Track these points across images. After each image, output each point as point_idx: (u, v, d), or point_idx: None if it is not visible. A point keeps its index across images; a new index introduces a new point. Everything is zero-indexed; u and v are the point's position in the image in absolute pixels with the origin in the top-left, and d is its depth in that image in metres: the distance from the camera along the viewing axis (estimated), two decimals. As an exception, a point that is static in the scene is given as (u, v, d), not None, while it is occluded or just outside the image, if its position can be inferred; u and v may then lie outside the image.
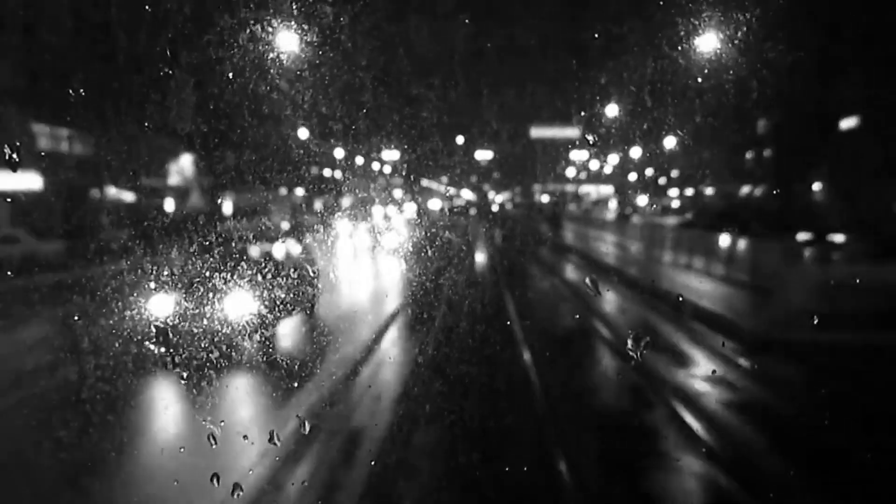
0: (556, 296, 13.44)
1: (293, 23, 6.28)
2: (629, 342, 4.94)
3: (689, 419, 6.88)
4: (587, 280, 7.03)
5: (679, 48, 6.45)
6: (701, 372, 8.48)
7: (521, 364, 8.44)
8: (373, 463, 5.68)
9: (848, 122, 17.66)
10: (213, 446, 4.33)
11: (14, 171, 4.36)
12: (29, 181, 9.36)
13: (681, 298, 11.26)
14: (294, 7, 6.36)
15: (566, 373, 8.34)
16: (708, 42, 6.36)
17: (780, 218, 15.50)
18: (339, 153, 11.48)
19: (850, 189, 16.96)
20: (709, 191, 25.30)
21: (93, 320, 6.22)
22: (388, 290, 10.83)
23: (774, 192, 20.00)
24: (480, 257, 13.94)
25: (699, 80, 7.06)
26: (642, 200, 25.60)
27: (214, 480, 4.09)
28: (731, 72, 6.70)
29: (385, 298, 10.49)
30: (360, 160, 12.89)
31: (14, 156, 4.25)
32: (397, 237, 10.18)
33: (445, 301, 9.30)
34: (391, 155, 12.53)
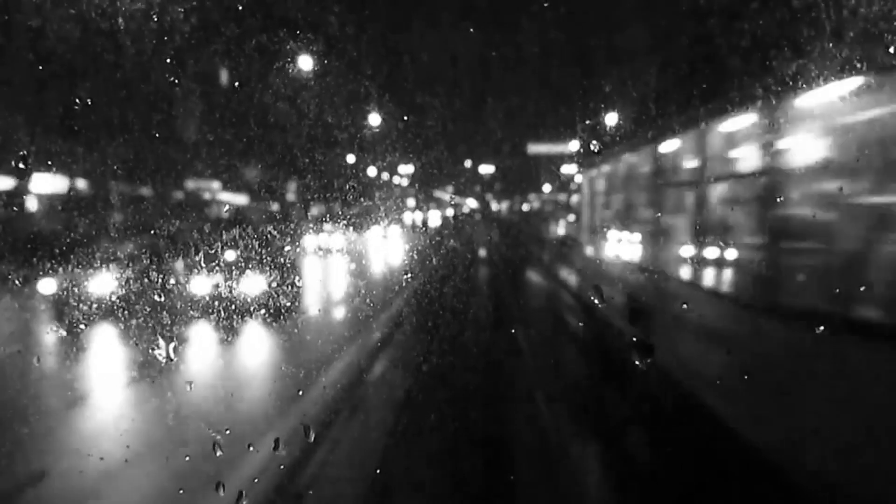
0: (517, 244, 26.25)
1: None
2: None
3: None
4: (596, 289, 8.83)
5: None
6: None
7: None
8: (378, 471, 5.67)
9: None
10: (218, 454, 4.33)
11: (22, 178, 4.41)
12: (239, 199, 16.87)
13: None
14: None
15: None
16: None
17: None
18: (371, 171, 14.49)
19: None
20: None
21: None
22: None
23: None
24: (483, 241, 23.75)
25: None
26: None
27: (220, 489, 4.09)
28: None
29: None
30: (385, 176, 15.76)
31: (21, 164, 4.29)
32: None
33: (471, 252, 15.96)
34: (406, 169, 15.70)
